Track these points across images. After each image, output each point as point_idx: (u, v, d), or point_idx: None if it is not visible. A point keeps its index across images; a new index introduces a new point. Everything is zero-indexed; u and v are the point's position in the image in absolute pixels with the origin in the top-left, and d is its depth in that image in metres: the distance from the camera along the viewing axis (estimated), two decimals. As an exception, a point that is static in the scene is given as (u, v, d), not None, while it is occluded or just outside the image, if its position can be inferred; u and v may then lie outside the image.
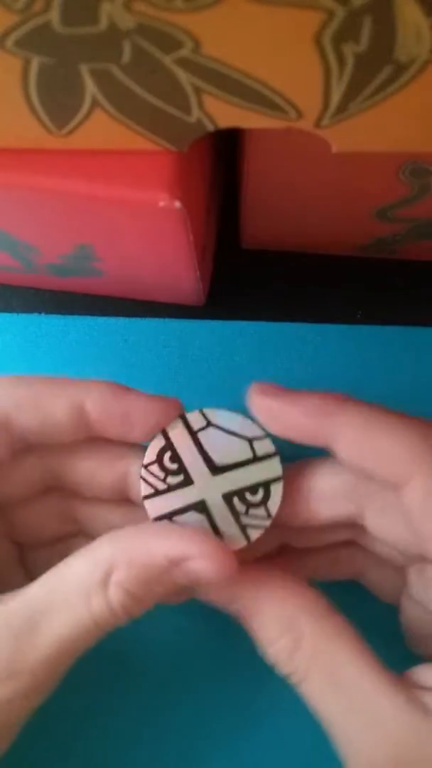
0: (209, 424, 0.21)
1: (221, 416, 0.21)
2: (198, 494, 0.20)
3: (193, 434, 0.21)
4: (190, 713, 0.25)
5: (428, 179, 0.20)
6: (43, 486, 0.22)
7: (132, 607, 0.19)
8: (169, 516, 0.20)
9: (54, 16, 0.13)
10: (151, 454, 0.21)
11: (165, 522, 0.20)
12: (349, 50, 0.14)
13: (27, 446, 0.21)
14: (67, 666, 0.19)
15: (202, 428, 0.21)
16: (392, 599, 0.23)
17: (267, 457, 0.21)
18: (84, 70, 0.15)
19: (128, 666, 0.25)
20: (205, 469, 0.20)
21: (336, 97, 0.15)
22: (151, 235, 0.20)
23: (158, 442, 0.21)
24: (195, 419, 0.21)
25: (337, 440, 0.19)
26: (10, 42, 0.14)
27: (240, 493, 0.20)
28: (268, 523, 0.20)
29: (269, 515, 0.20)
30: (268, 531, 0.20)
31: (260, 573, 0.20)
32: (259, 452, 0.21)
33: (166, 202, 0.18)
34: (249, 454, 0.21)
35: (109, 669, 0.25)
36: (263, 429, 0.21)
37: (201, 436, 0.21)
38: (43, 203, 0.19)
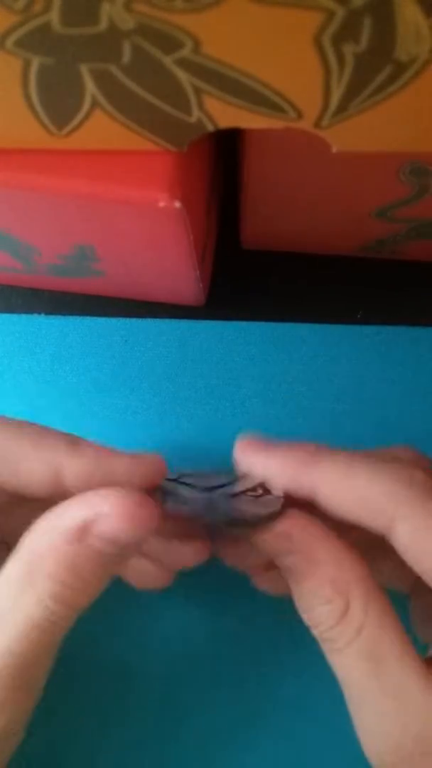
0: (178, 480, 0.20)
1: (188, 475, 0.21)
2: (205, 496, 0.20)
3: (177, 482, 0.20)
4: (194, 717, 0.25)
5: (428, 179, 0.20)
6: None
7: (68, 596, 0.17)
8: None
9: (54, 16, 0.13)
10: None
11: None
12: (349, 50, 0.14)
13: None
14: (33, 679, 0.18)
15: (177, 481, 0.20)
16: (402, 589, 0.23)
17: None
18: (84, 70, 0.15)
19: (131, 670, 0.25)
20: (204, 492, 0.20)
21: (336, 98, 0.15)
22: (151, 235, 0.20)
23: None
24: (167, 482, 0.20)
25: (317, 493, 0.19)
26: (10, 42, 0.14)
27: (243, 493, 0.20)
28: (281, 498, 0.19)
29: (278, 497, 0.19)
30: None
31: (319, 530, 0.19)
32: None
33: (166, 202, 0.18)
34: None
35: (110, 674, 0.25)
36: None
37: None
38: (43, 203, 0.19)
